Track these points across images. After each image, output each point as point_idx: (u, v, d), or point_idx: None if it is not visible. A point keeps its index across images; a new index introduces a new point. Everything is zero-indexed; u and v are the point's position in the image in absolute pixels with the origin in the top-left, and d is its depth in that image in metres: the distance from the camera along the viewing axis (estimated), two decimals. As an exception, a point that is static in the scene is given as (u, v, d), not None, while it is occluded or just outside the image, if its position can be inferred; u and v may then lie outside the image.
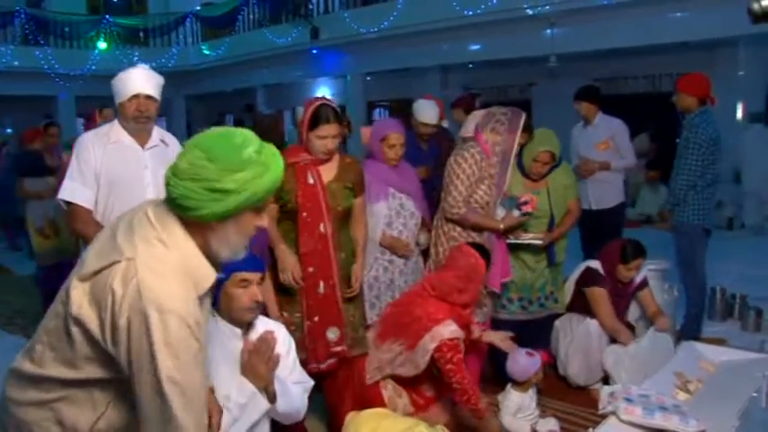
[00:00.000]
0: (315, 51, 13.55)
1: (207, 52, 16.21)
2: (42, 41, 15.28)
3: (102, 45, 16.05)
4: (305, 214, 3.01)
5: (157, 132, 3.07)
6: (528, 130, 3.67)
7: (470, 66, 12.14)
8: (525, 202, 3.60)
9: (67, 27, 15.66)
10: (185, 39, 16.89)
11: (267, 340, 2.27)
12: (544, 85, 11.54)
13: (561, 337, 3.93)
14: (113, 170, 2.94)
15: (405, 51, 11.82)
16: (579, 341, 3.81)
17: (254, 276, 2.33)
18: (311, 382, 2.56)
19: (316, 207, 3.02)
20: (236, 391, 2.21)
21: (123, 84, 2.91)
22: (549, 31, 9.76)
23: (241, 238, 1.58)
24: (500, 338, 3.37)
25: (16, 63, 14.43)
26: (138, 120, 2.93)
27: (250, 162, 1.49)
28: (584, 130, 5.25)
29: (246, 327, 2.41)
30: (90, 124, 4.44)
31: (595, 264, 3.89)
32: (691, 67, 4.92)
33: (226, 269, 2.14)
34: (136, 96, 2.90)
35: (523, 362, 3.25)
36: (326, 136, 2.98)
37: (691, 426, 2.49)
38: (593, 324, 3.78)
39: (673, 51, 9.43)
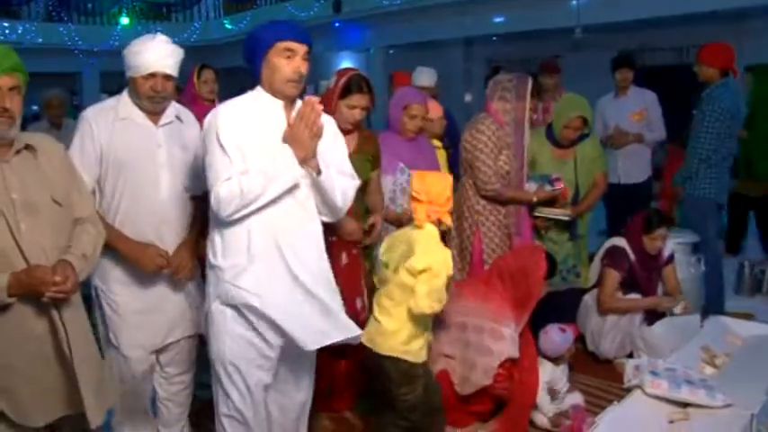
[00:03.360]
0: (337, 25, 13.45)
1: (229, 26, 16.15)
2: (66, 18, 15.34)
3: (124, 21, 16.07)
4: None
5: (173, 108, 2.74)
6: (537, 95, 3.65)
7: (494, 38, 11.99)
8: (558, 179, 3.61)
9: (90, 3, 15.70)
10: (207, 13, 16.85)
11: (311, 103, 2.25)
12: (569, 57, 11.36)
13: (592, 313, 3.91)
14: (122, 150, 2.60)
15: (428, 24, 11.68)
16: (614, 318, 3.81)
17: (301, 48, 2.28)
18: (357, 181, 2.55)
19: None
20: (275, 159, 2.23)
21: (140, 57, 2.57)
22: (574, 1, 9.58)
23: None
24: None
25: (40, 40, 14.48)
26: (153, 100, 2.61)
27: None
28: (615, 100, 5.17)
29: (289, 103, 2.37)
30: (188, 91, 4.27)
31: (621, 241, 3.86)
32: (720, 39, 4.79)
33: (268, 36, 2.25)
34: (152, 75, 2.57)
35: (556, 338, 3.25)
36: (357, 106, 2.98)
37: (717, 400, 2.47)
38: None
39: (701, 22, 9.20)
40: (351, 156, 3.02)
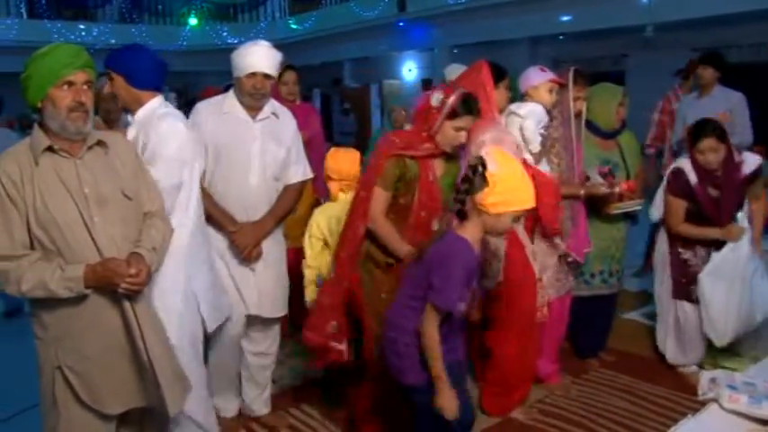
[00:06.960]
0: (402, 24, 13.46)
1: (294, 26, 16.35)
2: (137, 19, 15.83)
3: (192, 21, 16.48)
4: (423, 213, 2.82)
5: (270, 106, 3.06)
6: (582, 82, 3.52)
7: (561, 37, 11.79)
8: (608, 172, 3.61)
9: (161, 5, 16.15)
10: (273, 13, 17.13)
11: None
12: (638, 56, 11.09)
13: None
14: (222, 140, 2.96)
15: (493, 23, 11.57)
16: (676, 324, 3.70)
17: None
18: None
19: (434, 205, 2.82)
20: None
21: (243, 59, 2.92)
22: (645, -1, 9.33)
23: (60, 111, 2.06)
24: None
25: (113, 41, 14.96)
26: (253, 96, 2.95)
27: (37, 55, 2.09)
28: (699, 101, 4.94)
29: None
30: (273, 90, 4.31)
31: (683, 162, 3.61)
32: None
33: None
34: (253, 74, 2.89)
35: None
36: (464, 128, 2.74)
37: (802, 418, 2.35)
38: (686, 306, 3.64)
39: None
40: (442, 177, 2.86)
